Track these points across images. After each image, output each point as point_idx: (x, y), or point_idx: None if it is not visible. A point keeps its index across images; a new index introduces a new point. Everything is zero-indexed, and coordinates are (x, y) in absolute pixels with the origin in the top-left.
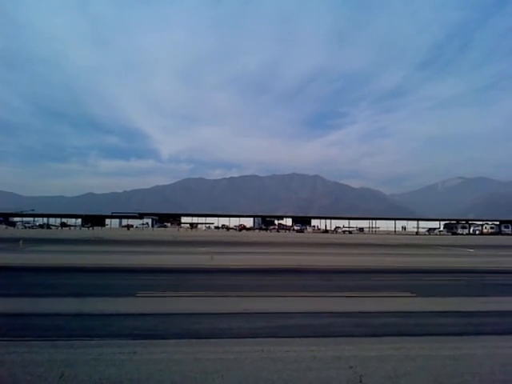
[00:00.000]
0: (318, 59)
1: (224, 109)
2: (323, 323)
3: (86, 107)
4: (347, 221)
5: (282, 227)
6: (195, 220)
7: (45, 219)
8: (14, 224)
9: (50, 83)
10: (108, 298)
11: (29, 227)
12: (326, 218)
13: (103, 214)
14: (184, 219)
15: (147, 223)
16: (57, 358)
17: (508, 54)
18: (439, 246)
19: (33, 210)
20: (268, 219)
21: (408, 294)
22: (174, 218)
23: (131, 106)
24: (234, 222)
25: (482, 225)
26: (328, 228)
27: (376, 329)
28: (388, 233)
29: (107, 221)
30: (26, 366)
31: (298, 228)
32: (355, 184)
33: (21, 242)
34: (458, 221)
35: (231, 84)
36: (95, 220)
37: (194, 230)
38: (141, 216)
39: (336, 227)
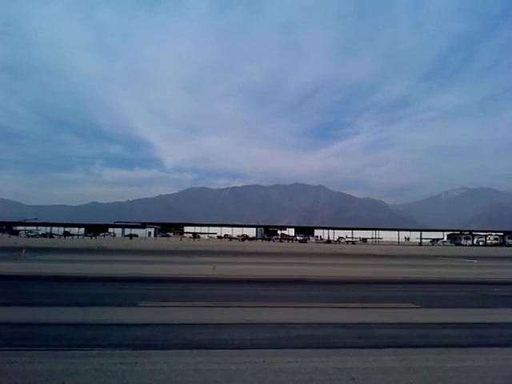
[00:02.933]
0: (322, 69)
1: (228, 118)
2: (325, 334)
3: (91, 116)
4: (350, 231)
5: (284, 237)
6: (198, 229)
7: (48, 228)
8: (17, 233)
9: (54, 92)
10: (109, 308)
11: (32, 236)
12: (329, 228)
13: (106, 223)
14: (187, 229)
15: (114, 233)
16: (57, 367)
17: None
18: (442, 256)
19: (36, 219)
20: (271, 229)
21: (411, 305)
22: (177, 228)
23: (135, 115)
24: (236, 231)
25: (486, 236)
26: (331, 238)
27: (378, 340)
28: (391, 243)
29: (110, 230)
30: (27, 375)
31: (301, 238)
32: (358, 194)
33: (23, 250)
34: (461, 232)
35: (235, 94)
36: (98, 229)
37: (196, 239)
38: (143, 225)
39: (339, 237)
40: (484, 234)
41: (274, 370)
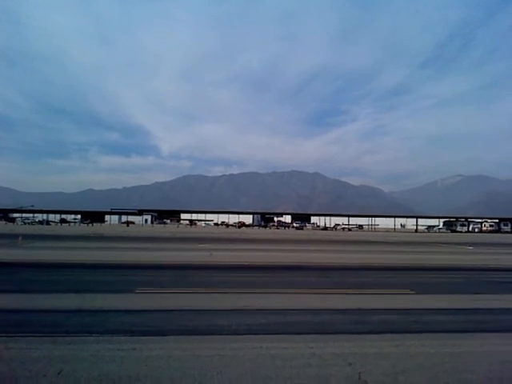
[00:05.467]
0: (320, 57)
1: (225, 106)
2: (322, 320)
3: (88, 104)
4: (347, 218)
5: (281, 224)
6: (194, 217)
7: (44, 215)
8: (13, 220)
9: (51, 81)
10: (107, 295)
11: (28, 223)
12: (325, 215)
13: (103, 210)
14: (183, 216)
15: (77, 219)
16: (55, 354)
17: (510, 52)
18: (438, 243)
19: (32, 206)
20: (267, 216)
21: (407, 291)
22: (174, 215)
23: (133, 103)
24: (233, 218)
25: (481, 222)
26: (327, 225)
27: (375, 326)
28: (387, 230)
29: (106, 217)
30: (25, 361)
31: (298, 225)
32: (355, 181)
33: (20, 237)
34: (457, 218)
35: (233, 82)
36: (94, 216)
37: (193, 226)
38: (140, 212)
39: (335, 224)
40: (480, 220)
41: (271, 356)
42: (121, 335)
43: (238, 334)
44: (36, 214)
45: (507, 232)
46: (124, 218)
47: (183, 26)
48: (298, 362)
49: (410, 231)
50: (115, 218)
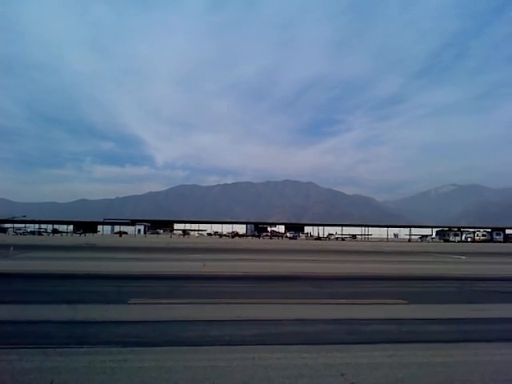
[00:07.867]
0: (316, 67)
1: (221, 115)
2: (315, 330)
3: (83, 113)
4: (340, 228)
5: (274, 234)
6: (188, 227)
7: (36, 225)
8: (4, 230)
9: (46, 89)
10: (99, 306)
11: (20, 233)
12: (319, 225)
13: (95, 220)
14: (177, 226)
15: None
16: (47, 365)
17: (504, 62)
18: (431, 253)
19: (24, 216)
20: (261, 226)
21: (400, 301)
22: (167, 225)
23: (128, 112)
24: (226, 228)
25: (474, 232)
26: (321, 235)
27: (368, 336)
28: (380, 240)
29: (99, 227)
30: (16, 373)
31: (291, 235)
32: (349, 191)
33: (11, 248)
34: (450, 228)
35: (229, 91)
36: (87, 226)
37: (186, 236)
38: (133, 223)
39: (329, 234)
40: (472, 230)
41: (264, 367)
42: (113, 346)
43: (231, 345)
44: (28, 224)
45: (499, 241)
46: (117, 228)
47: (179, 34)
48: (291, 372)
49: (403, 241)
50: (108, 228)
